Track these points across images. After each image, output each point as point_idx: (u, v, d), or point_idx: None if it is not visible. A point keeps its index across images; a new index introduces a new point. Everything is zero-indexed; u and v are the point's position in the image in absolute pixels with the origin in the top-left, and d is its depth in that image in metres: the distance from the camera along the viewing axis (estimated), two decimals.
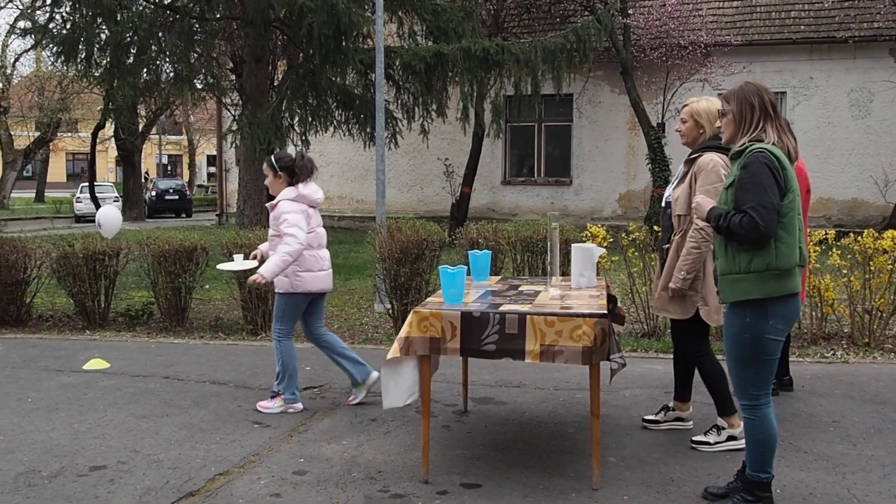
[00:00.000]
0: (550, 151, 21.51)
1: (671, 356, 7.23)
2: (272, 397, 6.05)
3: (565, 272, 5.76)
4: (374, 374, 6.09)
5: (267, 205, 6.26)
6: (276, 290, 6.06)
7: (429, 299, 4.86)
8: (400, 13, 16.05)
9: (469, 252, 5.64)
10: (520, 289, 5.16)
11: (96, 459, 4.94)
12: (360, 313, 9.91)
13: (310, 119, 15.23)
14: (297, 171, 6.02)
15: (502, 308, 4.41)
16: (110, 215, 9.83)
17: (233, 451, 5.09)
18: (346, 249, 17.21)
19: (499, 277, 5.85)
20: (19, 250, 9.54)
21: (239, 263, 6.55)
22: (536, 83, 15.93)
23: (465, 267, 4.81)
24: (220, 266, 6.71)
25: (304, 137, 15.08)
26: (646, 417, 5.48)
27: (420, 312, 4.46)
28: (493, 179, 21.68)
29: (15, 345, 8.57)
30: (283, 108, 14.73)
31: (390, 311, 8.62)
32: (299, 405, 6.02)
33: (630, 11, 18.35)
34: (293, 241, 5.77)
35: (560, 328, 4.24)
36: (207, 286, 10.80)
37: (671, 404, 5.44)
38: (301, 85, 14.94)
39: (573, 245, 5.31)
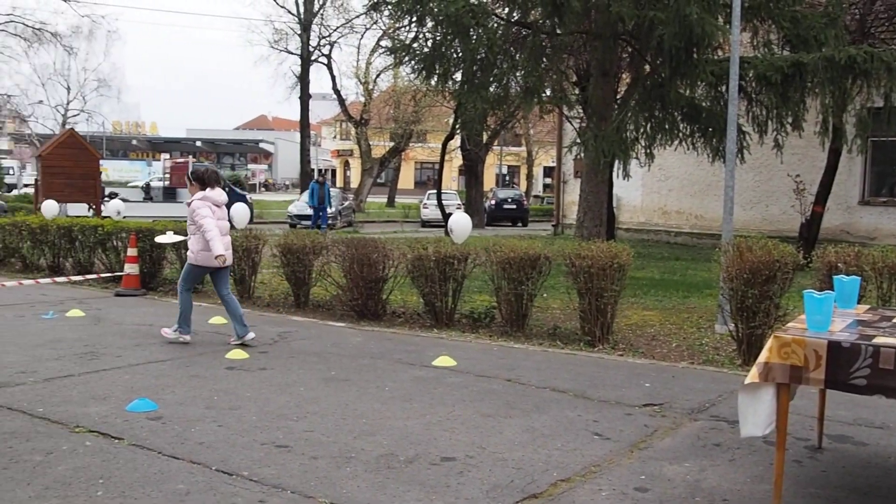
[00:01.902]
0: None
1: None
2: (175, 329, 8.64)
3: None
4: (251, 334, 8.58)
5: (185, 202, 8.88)
6: (188, 259, 8.73)
7: (790, 324, 4.55)
8: (755, 21, 15.32)
9: (835, 277, 5.22)
10: (894, 320, 4.67)
11: (446, 451, 5.22)
12: (699, 333, 9.58)
13: (655, 132, 15.03)
14: (205, 180, 8.62)
15: (876, 340, 4.01)
16: (462, 222, 10.35)
17: (573, 458, 5.13)
18: (683, 266, 16.79)
19: (867, 307, 5.35)
20: (379, 250, 10.37)
21: (170, 237, 10.23)
22: None
23: (833, 293, 4.45)
24: (158, 238, 9.98)
25: (647, 151, 14.92)
26: None
27: (781, 338, 4.19)
28: (848, 199, 20.02)
29: (372, 337, 9.33)
30: (629, 121, 14.68)
31: (734, 334, 8.23)
32: (188, 337, 8.63)
33: None
34: (209, 226, 8.36)
35: None
36: (546, 294, 11.03)
37: None
38: (648, 98, 14.79)
39: None
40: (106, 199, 23.75)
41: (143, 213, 26.16)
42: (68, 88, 58.54)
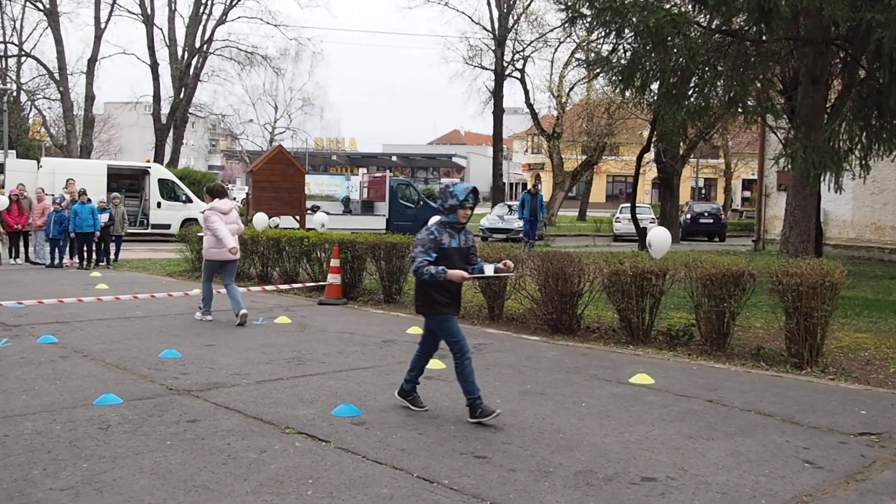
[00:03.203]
0: None
1: None
2: (202, 312, 11.10)
3: None
4: (243, 311, 10.62)
5: (199, 212, 11.57)
6: (203, 256, 11.16)
7: None
8: None
9: None
10: None
11: (646, 471, 5.09)
12: None
13: (871, 142, 14.02)
14: (214, 193, 11.15)
15: None
16: (661, 236, 10.11)
17: (783, 486, 4.87)
18: None
19: None
20: (574, 264, 10.28)
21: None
22: None
23: None
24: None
25: (863, 162, 13.95)
26: None
27: None
28: None
29: (567, 351, 9.26)
30: (842, 130, 13.80)
31: None
32: (210, 317, 10.99)
33: None
34: (219, 228, 10.62)
35: None
36: (748, 313, 10.55)
37: None
38: (863, 105, 13.84)
39: None
40: (309, 212, 24.95)
41: (342, 225, 27.25)
42: (276, 107, 62.46)
